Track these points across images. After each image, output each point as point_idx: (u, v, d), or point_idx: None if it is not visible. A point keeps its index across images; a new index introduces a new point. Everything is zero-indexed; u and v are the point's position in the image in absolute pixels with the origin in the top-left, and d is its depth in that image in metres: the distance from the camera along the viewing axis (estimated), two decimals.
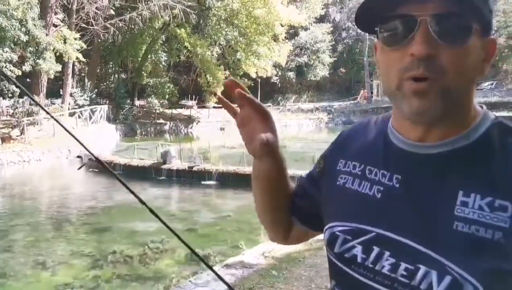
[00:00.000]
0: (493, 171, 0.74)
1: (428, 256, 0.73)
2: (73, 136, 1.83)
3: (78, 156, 18.33)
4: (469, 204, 0.73)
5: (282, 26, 30.95)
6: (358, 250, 0.81)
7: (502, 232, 0.70)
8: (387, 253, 0.77)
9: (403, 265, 0.75)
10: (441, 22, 0.72)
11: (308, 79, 44.43)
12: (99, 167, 15.61)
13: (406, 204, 0.78)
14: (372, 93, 42.76)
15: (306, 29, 41.88)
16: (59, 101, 26.28)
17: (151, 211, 1.76)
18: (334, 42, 45.11)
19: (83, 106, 26.11)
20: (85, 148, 1.89)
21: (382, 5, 0.76)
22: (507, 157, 0.74)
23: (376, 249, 0.79)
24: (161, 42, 32.57)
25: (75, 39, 23.05)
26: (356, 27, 0.79)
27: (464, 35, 0.72)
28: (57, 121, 1.99)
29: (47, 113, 1.84)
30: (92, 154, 1.92)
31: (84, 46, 23.75)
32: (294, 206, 1.04)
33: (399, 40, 0.75)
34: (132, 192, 1.86)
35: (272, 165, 0.98)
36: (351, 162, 0.90)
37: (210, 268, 1.79)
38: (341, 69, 47.12)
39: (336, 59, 45.46)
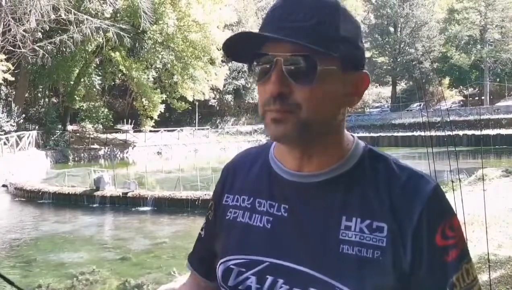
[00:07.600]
0: (369, 195, 0.79)
1: (318, 279, 0.76)
2: None
3: (3, 185, 17.31)
4: (351, 228, 0.78)
5: (218, 50, 31.17)
6: (252, 281, 0.82)
7: (380, 250, 0.76)
8: (280, 281, 0.79)
9: None
10: (292, 62, 0.75)
11: (246, 101, 44.88)
12: (26, 196, 14.86)
13: (295, 232, 0.81)
14: None
15: None
16: None
17: None
18: None
19: (9, 132, 24.78)
20: None
21: (246, 43, 0.78)
22: (379, 182, 0.80)
23: (269, 278, 0.80)
24: (95, 65, 31.73)
25: (1, 60, 22.00)
26: None
27: (311, 75, 0.75)
28: None
29: None
30: None
31: (12, 68, 22.68)
32: (198, 266, 1.00)
33: (262, 76, 0.79)
34: None
35: None
36: (240, 196, 0.91)
37: None
38: None
39: None
